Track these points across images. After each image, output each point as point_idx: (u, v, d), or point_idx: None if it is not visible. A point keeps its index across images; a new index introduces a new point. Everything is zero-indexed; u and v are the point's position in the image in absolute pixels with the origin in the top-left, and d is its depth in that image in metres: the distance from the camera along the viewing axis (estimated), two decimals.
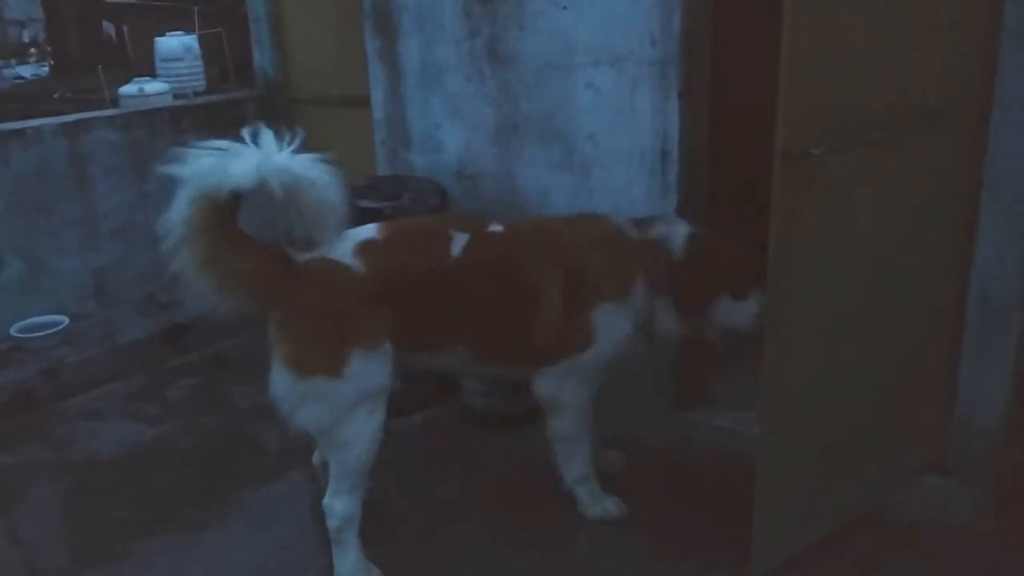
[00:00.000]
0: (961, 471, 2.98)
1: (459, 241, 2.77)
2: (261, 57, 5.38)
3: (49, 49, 13.77)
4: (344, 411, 2.62)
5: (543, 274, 2.77)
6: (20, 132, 4.40)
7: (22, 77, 12.98)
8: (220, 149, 2.50)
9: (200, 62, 6.75)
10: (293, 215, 2.55)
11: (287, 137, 2.52)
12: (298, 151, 2.52)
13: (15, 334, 4.31)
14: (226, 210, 2.51)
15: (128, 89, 5.99)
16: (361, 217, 2.98)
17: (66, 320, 4.42)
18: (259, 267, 2.59)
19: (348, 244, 2.69)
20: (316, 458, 3.12)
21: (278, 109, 5.30)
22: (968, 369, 2.90)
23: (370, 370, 2.62)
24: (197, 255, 2.50)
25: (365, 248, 2.69)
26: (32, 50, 14.98)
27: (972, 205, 2.75)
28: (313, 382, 2.59)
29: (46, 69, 13.53)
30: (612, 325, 2.81)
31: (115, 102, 6.08)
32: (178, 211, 2.48)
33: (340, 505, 2.68)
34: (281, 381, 2.61)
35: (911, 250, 2.70)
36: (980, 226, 2.77)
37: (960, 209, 2.77)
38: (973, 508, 2.91)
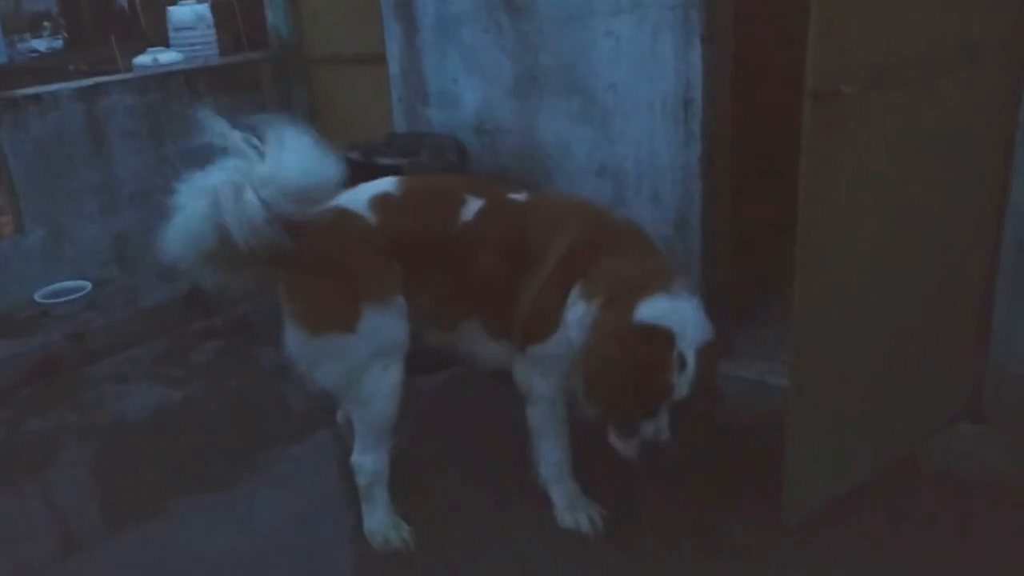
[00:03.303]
0: (994, 419, 2.94)
1: (472, 206, 2.65)
2: (275, 18, 5.32)
3: (62, 22, 13.74)
4: (360, 367, 2.59)
5: (541, 248, 2.56)
6: (37, 98, 4.38)
7: (37, 50, 12.97)
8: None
9: (213, 31, 6.70)
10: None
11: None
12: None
13: (40, 300, 4.33)
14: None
15: (142, 59, 5.98)
16: (380, 175, 2.94)
17: (89, 285, 4.44)
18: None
19: (363, 195, 2.65)
20: (340, 416, 3.13)
21: (293, 70, 5.26)
22: (1002, 315, 2.84)
23: (383, 324, 2.58)
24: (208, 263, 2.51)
25: (380, 201, 2.63)
26: (46, 23, 14.95)
27: (1008, 145, 2.68)
28: (327, 339, 2.56)
29: (60, 42, 13.52)
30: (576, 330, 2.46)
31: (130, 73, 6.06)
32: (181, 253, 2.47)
33: (368, 461, 2.68)
34: (295, 339, 2.59)
35: (945, 192, 2.63)
36: (1016, 168, 2.69)
37: (996, 150, 2.69)
38: (1006, 456, 2.87)
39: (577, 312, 2.45)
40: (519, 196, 2.77)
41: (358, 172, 3.37)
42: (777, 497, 2.63)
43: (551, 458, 2.78)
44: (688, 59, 3.16)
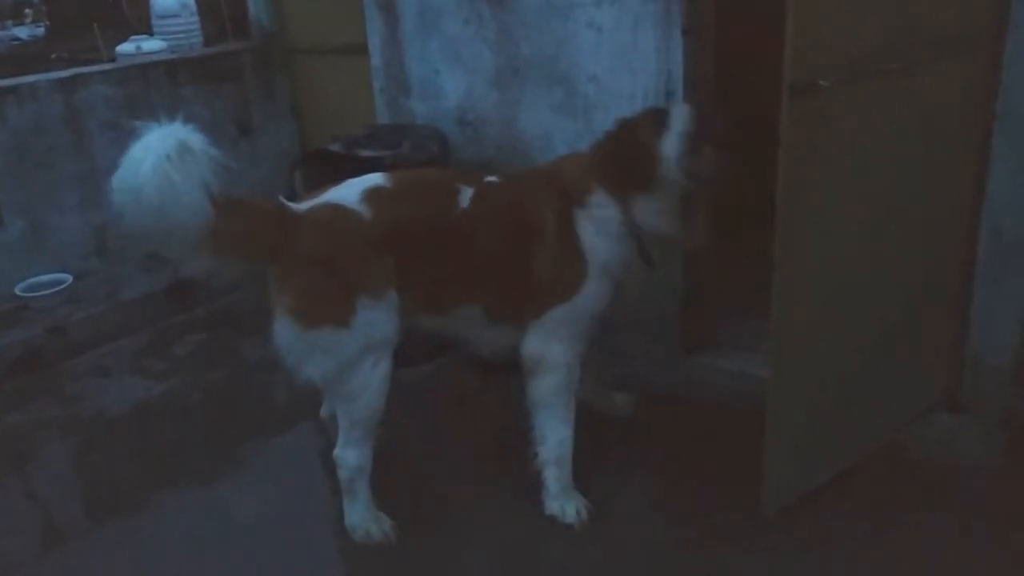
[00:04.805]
0: (972, 408, 2.98)
1: (466, 194, 2.69)
2: (256, 7, 5.28)
3: (45, 9, 13.58)
4: (350, 362, 2.58)
5: (540, 206, 2.68)
6: (15, 89, 4.33)
7: (19, 39, 12.83)
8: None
9: (196, 19, 6.66)
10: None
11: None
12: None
13: (20, 293, 4.30)
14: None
15: (126, 48, 5.95)
16: (362, 167, 2.93)
17: (70, 278, 4.40)
18: (252, 225, 2.54)
19: (355, 189, 2.63)
20: (324, 410, 3.12)
21: (275, 60, 5.22)
22: (980, 305, 2.87)
23: (376, 319, 2.58)
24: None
25: (372, 195, 2.62)
26: (27, 10, 14.77)
27: (985, 137, 2.70)
28: (320, 333, 2.54)
29: (42, 30, 13.37)
30: (596, 241, 2.66)
31: (113, 61, 6.01)
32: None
33: (351, 456, 2.67)
34: (286, 332, 2.56)
35: (923, 184, 2.64)
36: (993, 158, 2.71)
37: (973, 141, 2.71)
38: (983, 445, 2.91)
39: (590, 214, 2.67)
40: (494, 178, 2.84)
41: (340, 164, 3.38)
42: (757, 486, 2.65)
43: (557, 435, 2.75)
44: (669, 51, 3.15)
